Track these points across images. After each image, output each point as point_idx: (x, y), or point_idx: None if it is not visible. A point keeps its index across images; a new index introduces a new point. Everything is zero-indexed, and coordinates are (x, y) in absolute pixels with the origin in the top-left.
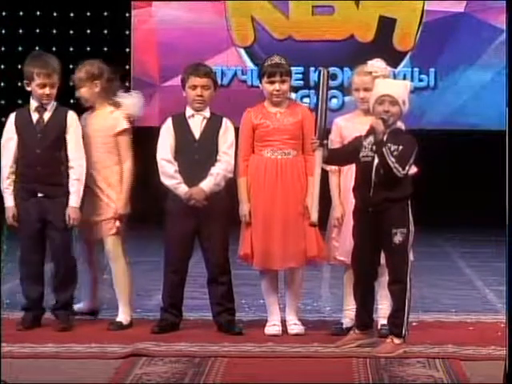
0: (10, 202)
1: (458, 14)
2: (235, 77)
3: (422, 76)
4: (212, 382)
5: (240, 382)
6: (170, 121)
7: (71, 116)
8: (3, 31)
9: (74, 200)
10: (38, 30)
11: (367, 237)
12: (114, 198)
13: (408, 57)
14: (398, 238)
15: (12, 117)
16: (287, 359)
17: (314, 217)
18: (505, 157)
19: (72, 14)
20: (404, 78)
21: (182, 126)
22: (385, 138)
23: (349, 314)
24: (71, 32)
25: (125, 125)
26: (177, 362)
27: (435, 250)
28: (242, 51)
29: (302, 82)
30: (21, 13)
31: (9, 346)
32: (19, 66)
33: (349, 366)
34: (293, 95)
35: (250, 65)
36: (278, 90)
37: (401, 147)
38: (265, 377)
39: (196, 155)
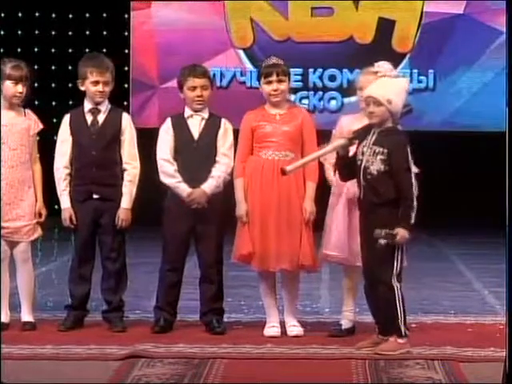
0: (66, 203)
1: (457, 15)
2: (234, 78)
3: (421, 77)
4: (211, 383)
5: (239, 383)
6: (169, 121)
7: (126, 118)
8: (2, 32)
9: (126, 201)
10: (36, 31)
11: (363, 238)
12: (32, 200)
13: (407, 58)
14: (382, 240)
15: (66, 118)
16: (286, 361)
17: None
18: (504, 158)
19: (71, 16)
20: None
21: (181, 127)
22: (373, 140)
23: (348, 315)
24: (70, 33)
25: (41, 125)
26: (176, 364)
27: (434, 252)
28: (241, 52)
29: (301, 84)
30: (20, 14)
31: (8, 348)
32: None
33: (348, 368)
34: (292, 97)
35: (249, 66)
36: (275, 90)
37: (386, 150)
38: (264, 378)
39: (195, 156)
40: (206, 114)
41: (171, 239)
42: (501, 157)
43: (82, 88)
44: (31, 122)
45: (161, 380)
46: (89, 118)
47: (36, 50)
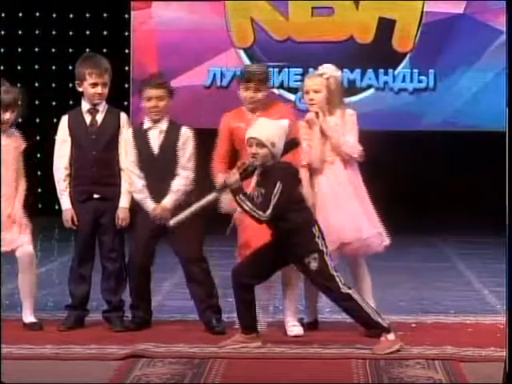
0: (67, 204)
1: (457, 15)
2: (234, 78)
3: (422, 77)
4: (211, 383)
5: (239, 382)
6: (130, 134)
7: (124, 117)
8: (2, 32)
9: (125, 200)
10: (37, 31)
11: (270, 259)
12: (16, 208)
13: (407, 58)
14: (313, 265)
15: (64, 119)
16: (286, 360)
17: None
18: (504, 157)
19: (71, 15)
20: (403, 79)
21: (141, 140)
22: (256, 181)
23: (310, 312)
24: (70, 33)
25: (24, 144)
26: (176, 363)
27: (434, 251)
28: (242, 52)
29: (301, 84)
30: (20, 14)
31: (8, 347)
32: (19, 67)
33: (348, 368)
34: (292, 96)
35: None
36: (251, 97)
37: (263, 190)
38: (264, 378)
39: (156, 170)
40: (164, 125)
41: (137, 241)
42: (501, 157)
43: (80, 89)
44: (19, 141)
45: (161, 380)
46: (87, 119)
47: (36, 50)
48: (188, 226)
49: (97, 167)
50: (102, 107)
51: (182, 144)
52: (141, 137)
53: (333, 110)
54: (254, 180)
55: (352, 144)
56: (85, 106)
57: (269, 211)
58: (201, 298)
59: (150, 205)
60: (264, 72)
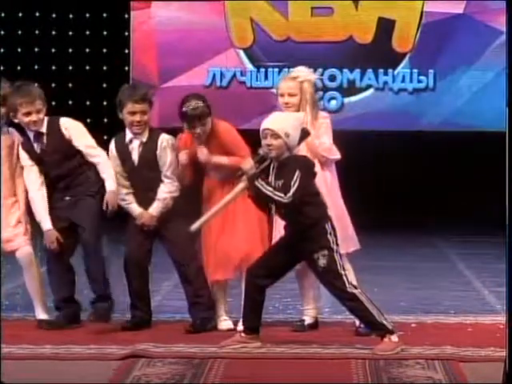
0: (48, 224)
1: (457, 15)
2: (234, 78)
3: (421, 77)
4: (211, 383)
5: (239, 383)
6: (112, 146)
7: (63, 123)
8: (2, 32)
9: (110, 184)
10: (36, 32)
11: (283, 258)
12: (22, 211)
13: (407, 58)
14: (322, 262)
15: (21, 149)
16: (286, 360)
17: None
18: (504, 157)
19: (71, 16)
20: (403, 80)
21: (123, 152)
22: (274, 174)
23: (310, 313)
24: (70, 33)
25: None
26: (176, 364)
27: (434, 252)
28: (241, 52)
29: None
30: (20, 14)
31: (8, 347)
32: (19, 67)
33: (348, 368)
34: None
35: (249, 66)
36: (198, 133)
37: (282, 181)
38: (264, 378)
39: (139, 180)
40: (144, 137)
41: (132, 242)
42: (501, 157)
43: (16, 120)
44: (14, 139)
45: (161, 380)
46: (37, 144)
47: (36, 50)
48: (180, 227)
49: (66, 177)
50: (43, 127)
51: (159, 155)
52: (123, 149)
53: (307, 112)
54: (272, 174)
55: (328, 146)
56: (29, 133)
57: (290, 193)
58: (192, 298)
59: (134, 210)
60: (203, 105)
